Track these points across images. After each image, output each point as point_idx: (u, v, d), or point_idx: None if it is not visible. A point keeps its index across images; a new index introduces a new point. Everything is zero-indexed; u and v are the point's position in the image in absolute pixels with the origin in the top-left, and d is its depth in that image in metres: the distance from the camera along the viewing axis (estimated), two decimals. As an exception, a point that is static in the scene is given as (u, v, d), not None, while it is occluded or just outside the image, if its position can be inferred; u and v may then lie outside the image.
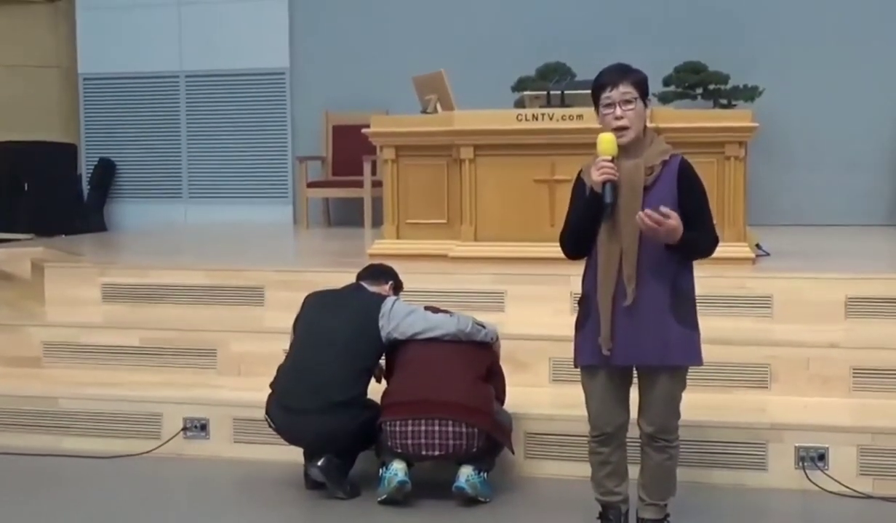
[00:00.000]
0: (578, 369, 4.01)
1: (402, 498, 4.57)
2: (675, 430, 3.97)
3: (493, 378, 4.82)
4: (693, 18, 9.20)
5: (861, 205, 8.94)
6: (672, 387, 3.91)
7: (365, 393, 4.75)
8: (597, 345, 3.86)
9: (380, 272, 5.12)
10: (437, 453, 4.56)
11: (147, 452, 5.37)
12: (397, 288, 5.09)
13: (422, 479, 4.69)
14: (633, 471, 4.09)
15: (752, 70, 8.81)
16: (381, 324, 4.76)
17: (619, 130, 3.82)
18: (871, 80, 8.94)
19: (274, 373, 4.86)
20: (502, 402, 4.86)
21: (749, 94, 8.49)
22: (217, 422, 5.38)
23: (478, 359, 4.75)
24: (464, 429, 4.53)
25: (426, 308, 4.90)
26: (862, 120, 8.97)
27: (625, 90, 3.82)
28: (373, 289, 4.98)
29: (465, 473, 4.57)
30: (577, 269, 4.07)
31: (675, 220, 3.70)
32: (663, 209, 3.69)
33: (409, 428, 4.55)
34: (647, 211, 3.68)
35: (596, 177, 3.79)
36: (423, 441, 4.54)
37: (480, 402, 4.60)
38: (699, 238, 3.83)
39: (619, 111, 3.82)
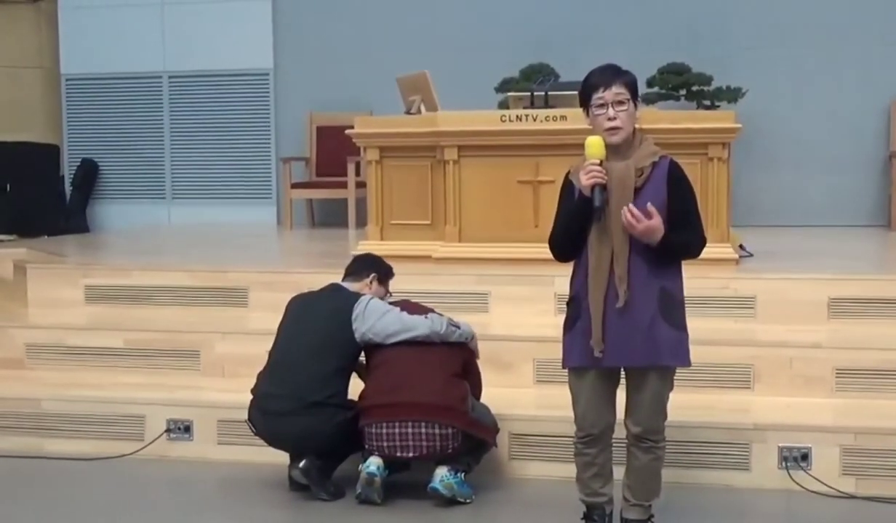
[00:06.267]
0: (564, 370, 4.01)
1: (376, 492, 4.55)
2: (661, 431, 3.98)
3: (468, 375, 4.80)
4: (676, 20, 9.22)
5: (844, 205, 8.97)
6: (660, 388, 3.92)
7: (343, 393, 4.73)
8: (586, 346, 3.85)
9: (361, 265, 5.09)
10: (411, 454, 4.57)
11: (131, 454, 5.36)
12: (382, 277, 5.05)
13: (404, 480, 4.69)
14: (618, 472, 4.10)
15: (735, 71, 8.84)
16: (354, 325, 4.74)
17: (611, 130, 3.82)
18: (854, 81, 8.98)
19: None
20: (478, 398, 4.83)
21: (732, 95, 8.52)
22: (201, 424, 5.36)
23: (452, 357, 4.73)
24: (437, 431, 4.53)
25: (403, 307, 4.85)
26: (844, 121, 9.01)
27: (618, 91, 3.82)
28: (354, 286, 4.96)
29: (440, 474, 4.57)
30: (561, 271, 4.07)
31: (655, 221, 3.71)
32: (650, 206, 3.70)
33: (385, 431, 4.56)
34: (631, 206, 3.69)
35: (585, 181, 3.78)
36: (397, 443, 4.55)
37: (453, 401, 4.58)
38: (684, 240, 3.83)
39: (612, 112, 3.81)
